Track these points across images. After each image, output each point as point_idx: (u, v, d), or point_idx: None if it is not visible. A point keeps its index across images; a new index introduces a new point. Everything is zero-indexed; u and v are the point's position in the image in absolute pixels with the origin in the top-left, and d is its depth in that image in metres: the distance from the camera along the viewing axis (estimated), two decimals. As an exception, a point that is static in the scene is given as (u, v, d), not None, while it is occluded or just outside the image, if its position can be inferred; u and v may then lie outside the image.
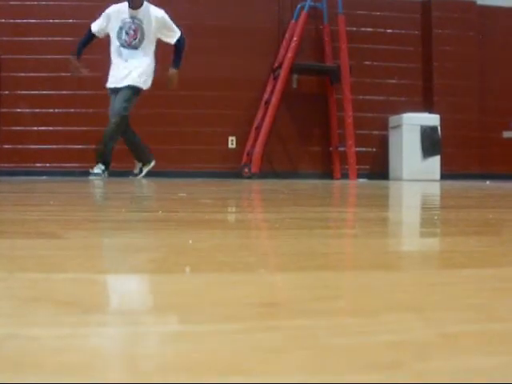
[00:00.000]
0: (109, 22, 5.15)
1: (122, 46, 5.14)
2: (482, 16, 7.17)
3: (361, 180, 6.37)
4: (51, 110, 6.41)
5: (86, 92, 6.45)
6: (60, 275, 0.52)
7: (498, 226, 1.18)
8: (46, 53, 6.36)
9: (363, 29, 7.05)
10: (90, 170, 5.09)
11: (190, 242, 0.80)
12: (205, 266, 0.60)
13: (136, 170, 5.33)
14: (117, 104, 5.09)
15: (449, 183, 5.20)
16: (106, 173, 5.08)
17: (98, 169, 5.06)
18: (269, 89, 6.63)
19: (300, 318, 0.38)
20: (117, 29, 5.12)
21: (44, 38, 6.37)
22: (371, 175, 6.86)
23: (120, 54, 5.15)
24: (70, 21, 6.44)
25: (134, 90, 5.10)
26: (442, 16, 7.09)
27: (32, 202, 1.91)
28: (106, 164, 5.12)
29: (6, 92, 6.36)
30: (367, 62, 7.04)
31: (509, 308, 0.42)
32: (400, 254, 0.76)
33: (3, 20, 6.36)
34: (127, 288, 0.48)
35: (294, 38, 6.51)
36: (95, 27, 5.18)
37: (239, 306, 0.42)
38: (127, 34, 5.11)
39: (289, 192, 2.97)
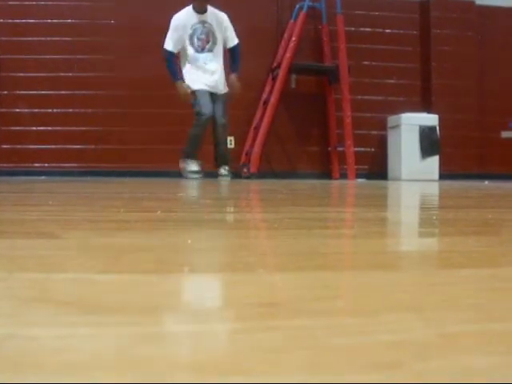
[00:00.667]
0: (178, 33, 5.12)
1: (197, 51, 5.14)
2: (481, 16, 7.18)
3: (359, 180, 6.38)
4: (50, 110, 6.41)
5: (84, 92, 6.45)
6: (60, 275, 0.52)
7: (497, 226, 1.18)
8: (44, 53, 6.36)
9: (362, 29, 7.05)
10: (220, 173, 5.31)
11: (190, 241, 0.80)
12: (204, 266, 0.60)
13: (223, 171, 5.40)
14: (219, 113, 5.12)
15: (447, 183, 5.20)
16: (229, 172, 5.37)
17: (224, 170, 5.34)
18: (267, 89, 6.63)
19: (300, 317, 0.38)
20: (188, 36, 5.12)
21: (43, 38, 6.37)
22: (370, 175, 6.87)
23: (197, 60, 5.15)
24: (69, 21, 6.44)
25: (225, 98, 5.22)
26: (441, 16, 7.10)
27: (31, 202, 1.91)
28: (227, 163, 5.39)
29: (5, 92, 6.36)
30: (366, 62, 7.05)
31: (509, 308, 0.42)
32: (399, 254, 0.76)
33: (2, 20, 6.36)
34: (127, 288, 0.48)
35: (293, 38, 6.51)
36: (173, 47, 5.13)
37: (239, 305, 0.42)
38: (199, 39, 5.12)
39: (287, 192, 2.97)
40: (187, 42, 5.13)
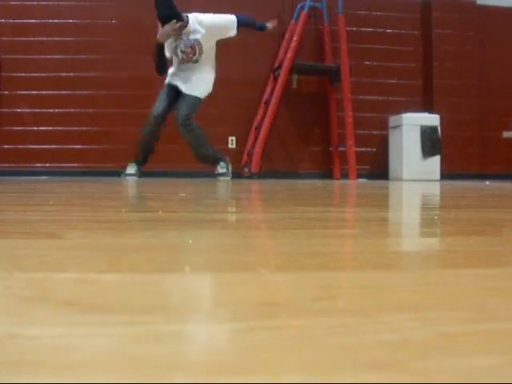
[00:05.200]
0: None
1: (181, 63, 5.09)
2: (482, 16, 7.18)
3: (361, 180, 6.38)
4: (51, 110, 6.41)
5: (85, 92, 6.46)
6: (60, 275, 0.52)
7: (498, 226, 1.18)
8: (45, 53, 6.37)
9: (363, 29, 7.06)
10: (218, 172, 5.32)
11: (190, 241, 0.80)
12: (205, 266, 0.60)
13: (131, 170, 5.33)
14: (181, 111, 5.06)
15: (449, 183, 5.20)
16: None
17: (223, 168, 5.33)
18: (269, 89, 6.64)
19: (300, 317, 0.38)
20: (172, 49, 5.05)
21: (44, 38, 6.38)
22: (371, 175, 6.87)
23: (181, 70, 5.11)
24: (70, 21, 6.45)
25: (196, 100, 5.14)
26: (442, 16, 7.10)
27: (32, 202, 1.91)
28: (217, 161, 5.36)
29: (6, 92, 6.37)
30: (367, 62, 7.05)
31: (509, 308, 0.42)
32: (400, 254, 0.76)
33: (3, 20, 6.37)
34: (127, 288, 0.48)
35: (294, 38, 6.51)
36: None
37: (239, 305, 0.42)
38: (183, 52, 5.03)
39: (289, 192, 2.97)
40: (173, 53, 5.08)
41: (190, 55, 5.05)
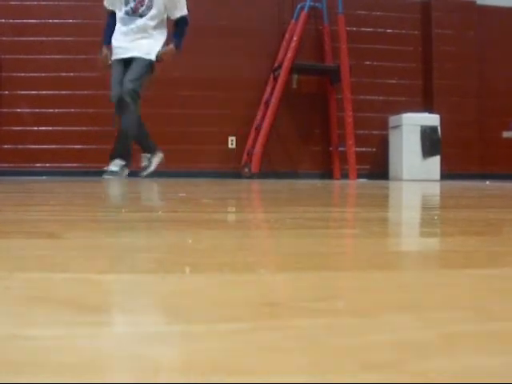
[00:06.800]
0: None
1: (127, 13, 4.51)
2: (482, 16, 7.18)
3: (361, 180, 6.38)
4: (51, 110, 6.41)
5: (85, 92, 6.45)
6: (60, 275, 0.52)
7: (498, 226, 1.18)
8: (46, 53, 6.36)
9: (363, 29, 7.05)
10: (106, 168, 4.60)
11: (190, 241, 0.80)
12: (205, 266, 0.60)
13: (145, 163, 4.87)
14: (127, 83, 4.42)
15: (449, 183, 5.20)
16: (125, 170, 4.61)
17: (116, 166, 4.60)
18: (269, 89, 6.63)
19: (300, 318, 0.38)
20: None
21: (44, 38, 6.38)
22: (371, 175, 6.86)
23: (124, 23, 4.51)
24: (70, 21, 6.45)
25: (145, 64, 4.48)
26: (442, 16, 7.10)
27: (32, 202, 1.91)
28: (126, 159, 4.59)
29: (6, 92, 6.37)
30: (367, 62, 7.05)
31: (509, 308, 0.42)
32: (400, 254, 0.76)
33: (3, 20, 6.36)
34: (127, 288, 0.48)
35: (294, 38, 6.51)
36: (108, 3, 4.57)
37: (239, 305, 0.41)
38: (134, 0, 4.47)
39: (289, 192, 2.97)
40: (122, 3, 4.50)
41: (139, 5, 4.47)
